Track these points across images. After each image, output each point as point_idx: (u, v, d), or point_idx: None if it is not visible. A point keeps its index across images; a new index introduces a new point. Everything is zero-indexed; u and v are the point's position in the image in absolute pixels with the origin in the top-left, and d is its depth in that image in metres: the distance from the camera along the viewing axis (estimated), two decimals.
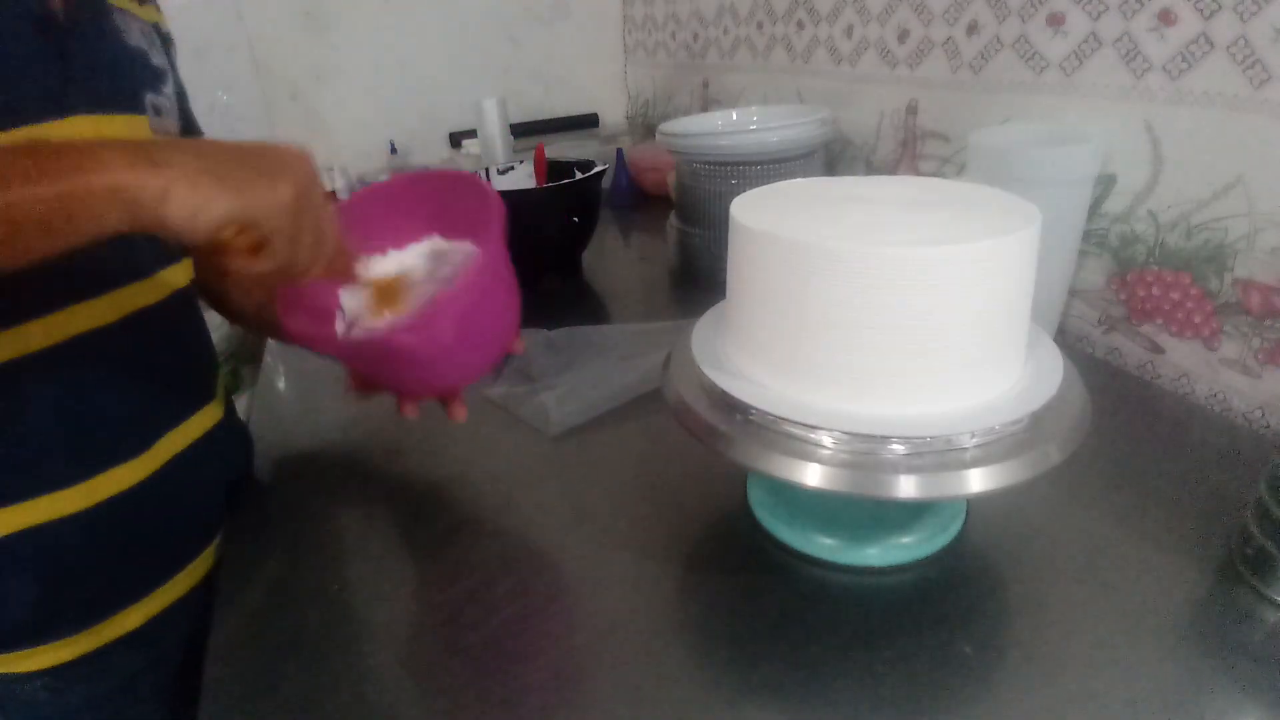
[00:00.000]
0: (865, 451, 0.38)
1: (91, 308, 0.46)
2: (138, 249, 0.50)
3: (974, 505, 0.51)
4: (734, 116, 1.05)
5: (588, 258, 1.06)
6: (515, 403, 0.67)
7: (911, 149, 0.92)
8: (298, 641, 0.44)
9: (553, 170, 1.04)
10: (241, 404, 0.99)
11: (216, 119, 1.32)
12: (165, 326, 0.52)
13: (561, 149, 1.34)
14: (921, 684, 0.39)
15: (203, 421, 0.56)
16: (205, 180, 0.34)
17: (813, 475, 0.38)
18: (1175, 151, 0.62)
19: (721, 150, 0.90)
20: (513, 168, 1.07)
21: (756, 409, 0.41)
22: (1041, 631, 0.42)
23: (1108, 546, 0.47)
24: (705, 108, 1.39)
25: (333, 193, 1.38)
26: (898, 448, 0.38)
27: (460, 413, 0.52)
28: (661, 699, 0.39)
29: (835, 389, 0.40)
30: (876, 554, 0.47)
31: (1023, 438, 0.39)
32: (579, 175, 0.99)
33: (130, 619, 0.52)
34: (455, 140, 1.53)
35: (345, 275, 0.47)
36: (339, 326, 0.50)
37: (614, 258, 1.12)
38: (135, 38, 0.50)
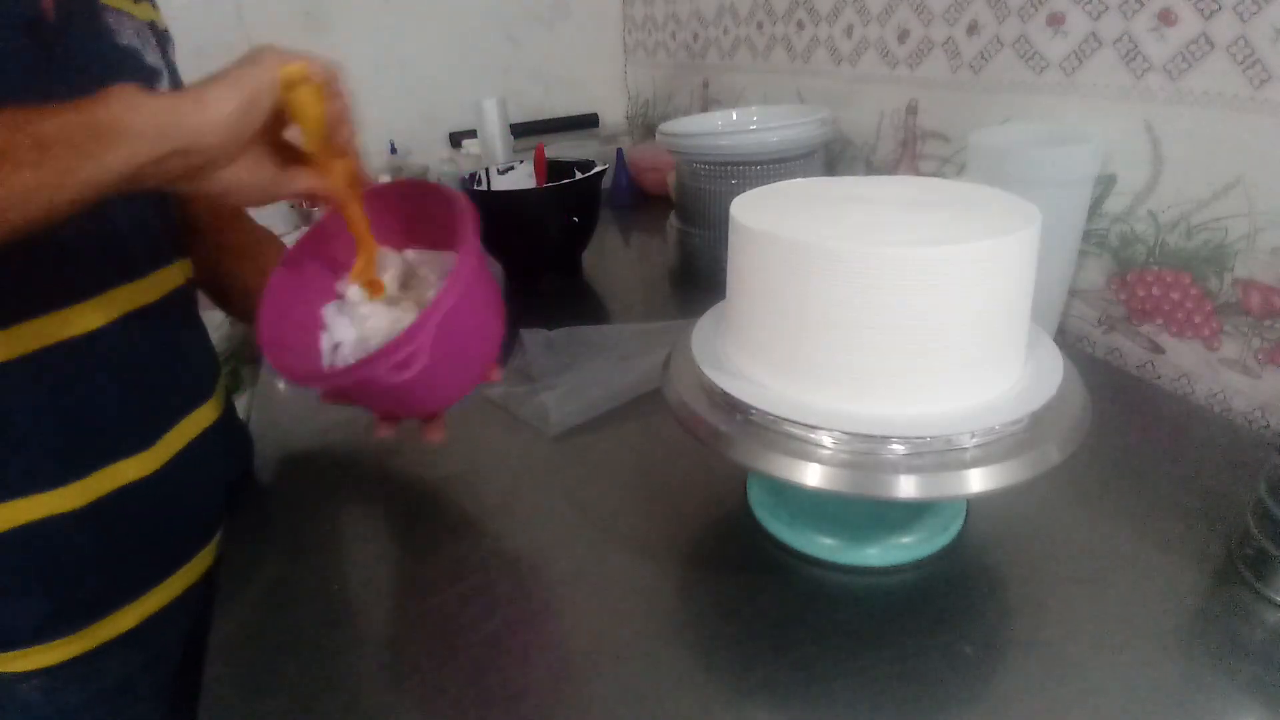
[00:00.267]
0: (865, 451, 0.38)
1: (87, 308, 0.46)
2: (130, 249, 0.50)
3: (974, 505, 0.51)
4: (734, 116, 1.05)
5: (588, 258, 1.06)
6: (515, 403, 0.67)
7: (911, 149, 0.92)
8: (297, 641, 0.44)
9: (553, 170, 1.04)
10: (241, 404, 0.99)
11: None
12: (162, 326, 0.52)
13: (561, 149, 1.34)
14: (921, 684, 0.39)
15: (201, 420, 0.56)
16: (225, 81, 0.37)
17: (813, 475, 0.38)
18: (1175, 151, 0.62)
19: (721, 150, 0.90)
20: (513, 168, 1.07)
21: (756, 409, 0.41)
22: (1041, 631, 0.42)
23: (1108, 546, 0.47)
24: (705, 108, 1.39)
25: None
26: (898, 448, 0.38)
27: (437, 435, 0.52)
28: (661, 699, 0.39)
29: (835, 389, 0.40)
30: (876, 554, 0.47)
31: (1023, 438, 0.39)
32: (579, 175, 0.99)
33: (127, 618, 0.52)
34: (455, 140, 1.53)
35: (367, 267, 0.47)
36: (324, 346, 0.50)
37: (614, 258, 1.12)
38: (128, 37, 0.49)
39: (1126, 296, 0.69)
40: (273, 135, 0.42)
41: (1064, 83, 0.70)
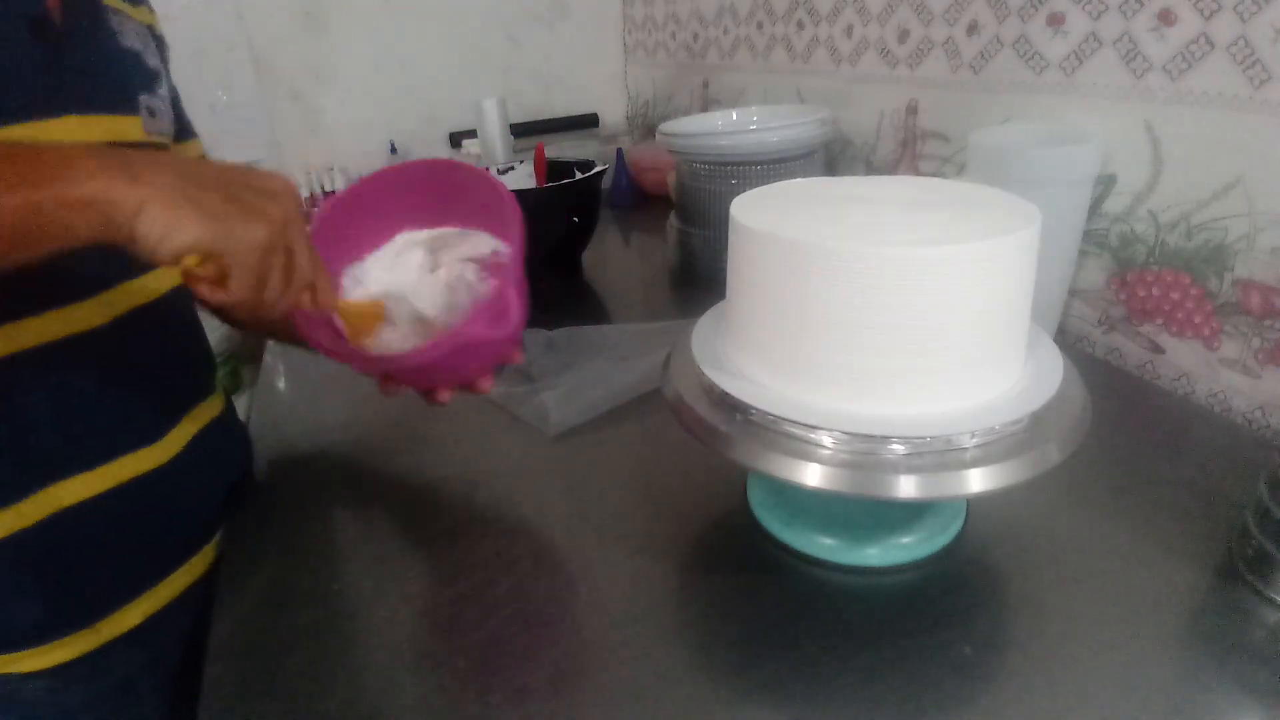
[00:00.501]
0: (865, 451, 0.38)
1: (85, 308, 0.46)
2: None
3: (974, 505, 0.51)
4: (734, 116, 1.05)
5: (588, 258, 1.06)
6: (515, 403, 0.67)
7: (911, 149, 0.92)
8: (297, 641, 0.44)
9: (553, 170, 1.04)
10: (241, 404, 0.99)
11: (216, 119, 1.33)
12: (160, 324, 0.52)
13: (561, 149, 1.34)
14: (921, 684, 0.39)
15: (206, 414, 0.56)
16: (182, 203, 0.33)
17: (813, 475, 0.38)
18: (1175, 151, 0.62)
19: (721, 150, 0.90)
20: (513, 168, 1.07)
21: (756, 409, 0.41)
22: (1041, 631, 0.42)
23: (1108, 546, 0.47)
24: (705, 108, 1.39)
25: (330, 193, 1.38)
26: (898, 448, 0.38)
27: (487, 384, 0.51)
28: (661, 699, 0.39)
29: (835, 389, 0.40)
30: (876, 554, 0.47)
31: (1023, 438, 0.39)
32: (579, 175, 0.99)
33: (129, 617, 0.52)
34: (455, 140, 1.53)
35: (322, 304, 0.45)
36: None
37: (614, 258, 1.12)
38: (130, 39, 0.50)
39: (1126, 296, 0.69)
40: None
41: (1064, 83, 0.70)
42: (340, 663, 0.43)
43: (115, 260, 0.48)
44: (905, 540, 0.47)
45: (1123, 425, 0.60)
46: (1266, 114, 0.55)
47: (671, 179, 1.08)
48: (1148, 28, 0.62)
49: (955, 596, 0.44)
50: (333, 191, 1.31)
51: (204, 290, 0.37)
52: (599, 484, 0.57)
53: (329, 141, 1.45)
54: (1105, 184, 0.68)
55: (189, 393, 0.56)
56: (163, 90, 0.53)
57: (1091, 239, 0.70)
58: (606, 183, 1.28)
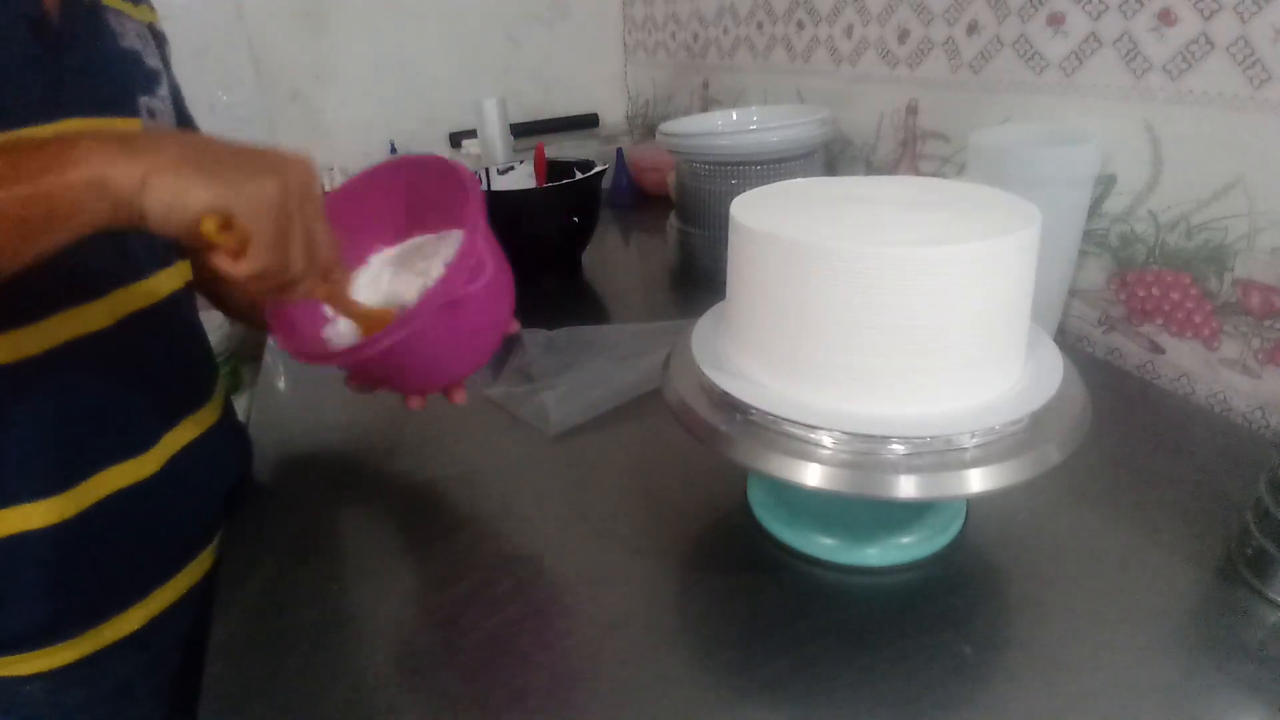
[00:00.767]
0: (865, 451, 0.38)
1: (85, 312, 0.46)
2: (131, 252, 0.50)
3: (974, 505, 0.51)
4: (734, 116, 1.05)
5: (588, 258, 1.06)
6: (515, 403, 0.67)
7: (911, 149, 0.92)
8: (297, 641, 0.44)
9: (553, 170, 1.04)
10: (241, 404, 0.99)
11: (216, 119, 1.33)
12: (160, 329, 0.52)
13: (561, 149, 1.34)
14: (921, 684, 0.39)
15: (199, 424, 0.55)
16: (186, 169, 0.33)
17: (813, 475, 0.38)
18: (1175, 151, 0.62)
19: (721, 150, 0.90)
20: (513, 168, 1.07)
21: (756, 409, 0.41)
22: (1041, 631, 0.42)
23: (1108, 546, 0.47)
24: (705, 108, 1.39)
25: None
26: (898, 448, 0.38)
27: (459, 396, 0.52)
28: (661, 699, 0.39)
29: (835, 389, 0.40)
30: (876, 554, 0.47)
31: (1023, 438, 0.39)
32: (579, 175, 0.99)
33: (129, 621, 0.52)
34: (455, 140, 1.53)
35: (338, 296, 0.45)
36: (328, 335, 0.50)
37: (614, 258, 1.12)
38: (129, 39, 0.49)
39: (1126, 296, 0.69)
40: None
41: (1064, 83, 0.70)
42: (340, 663, 0.43)
43: (112, 264, 0.48)
44: (905, 540, 0.47)
45: (1123, 425, 0.60)
46: (1266, 114, 0.55)
47: (671, 179, 1.08)
48: (1148, 28, 0.62)
49: (955, 596, 0.44)
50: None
51: (225, 263, 0.36)
52: (599, 484, 0.57)
53: (329, 141, 1.45)
54: (1105, 184, 0.68)
55: (188, 399, 0.55)
56: (163, 90, 0.52)
57: (1091, 239, 0.70)
58: (606, 183, 1.28)
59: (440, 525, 0.54)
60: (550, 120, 1.61)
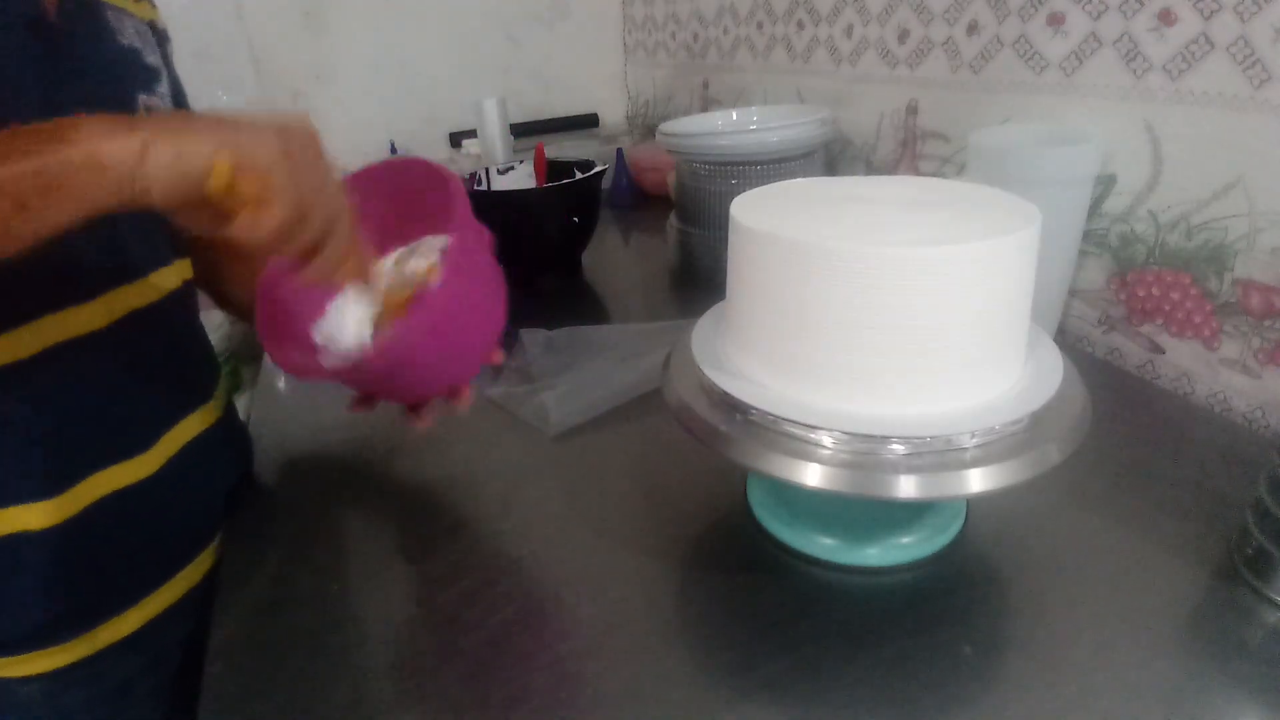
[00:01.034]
0: (865, 451, 0.38)
1: (82, 311, 0.46)
2: (129, 250, 0.49)
3: (974, 505, 0.51)
4: (734, 116, 1.05)
5: (588, 258, 1.06)
6: (515, 403, 0.67)
7: (911, 149, 0.92)
8: (297, 641, 0.44)
9: (553, 170, 1.04)
10: (241, 403, 0.99)
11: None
12: (159, 329, 0.52)
13: (561, 149, 1.34)
14: (921, 684, 0.39)
15: (197, 424, 0.55)
16: (185, 130, 0.32)
17: (813, 475, 0.38)
18: (1175, 151, 0.62)
19: (721, 150, 0.90)
20: (513, 168, 1.07)
21: (756, 409, 0.41)
22: (1041, 631, 0.42)
23: (1108, 546, 0.47)
24: (705, 108, 1.39)
25: None
26: (898, 448, 0.38)
27: (465, 402, 0.51)
28: (661, 699, 0.39)
29: (835, 389, 0.40)
30: (876, 554, 0.47)
31: (1023, 438, 0.39)
32: (579, 175, 0.99)
33: (127, 623, 0.51)
34: (455, 140, 1.53)
35: (361, 269, 0.43)
36: (318, 340, 0.49)
37: (614, 258, 1.12)
38: (129, 37, 0.49)
39: (1126, 296, 0.69)
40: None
41: (1064, 83, 0.70)
42: (340, 663, 0.43)
43: (110, 262, 0.48)
44: (905, 540, 0.47)
45: (1123, 425, 0.60)
46: (1266, 114, 0.55)
47: (671, 179, 1.08)
48: (1148, 28, 0.62)
49: (955, 596, 0.44)
50: None
51: (246, 225, 0.34)
52: (599, 484, 0.57)
53: (329, 142, 1.43)
54: (1105, 184, 0.68)
55: (187, 398, 0.55)
56: (162, 88, 0.52)
57: (1091, 239, 0.70)
58: (606, 183, 1.28)
59: (440, 525, 0.54)
60: (550, 120, 1.61)
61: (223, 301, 0.63)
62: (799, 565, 0.47)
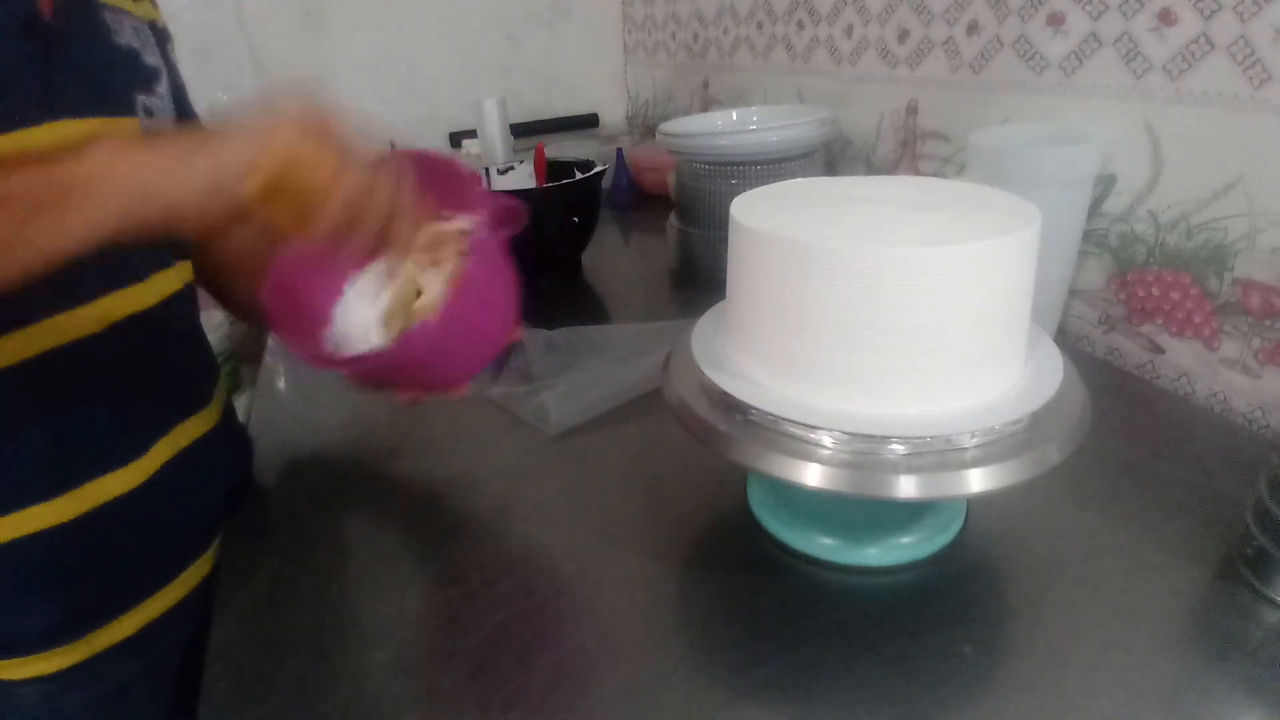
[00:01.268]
0: (865, 451, 0.38)
1: (80, 314, 0.45)
2: (125, 256, 0.49)
3: (974, 505, 0.51)
4: (734, 116, 1.05)
5: (588, 258, 1.06)
6: (515, 403, 0.67)
7: (911, 149, 0.92)
8: (297, 641, 0.44)
9: (553, 170, 1.04)
10: (241, 404, 0.99)
11: (216, 119, 1.33)
12: (157, 332, 0.51)
13: (561, 149, 1.34)
14: (921, 684, 0.39)
15: (196, 428, 0.55)
16: (206, 143, 0.32)
17: (813, 475, 0.38)
18: (1175, 151, 0.62)
19: (721, 150, 0.90)
20: (513, 168, 1.07)
21: (756, 409, 0.41)
22: (1041, 632, 0.42)
23: (1108, 546, 0.47)
24: (705, 108, 1.39)
25: None
26: (898, 448, 0.38)
27: (462, 390, 0.50)
28: (661, 699, 0.39)
29: (835, 389, 0.40)
30: (876, 554, 0.47)
31: (1023, 438, 0.39)
32: (579, 175, 0.99)
33: (125, 626, 0.51)
34: (455, 140, 1.53)
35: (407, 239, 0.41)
36: (330, 333, 0.49)
37: (614, 258, 1.12)
38: (127, 36, 0.49)
39: (1126, 296, 0.69)
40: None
41: (1064, 83, 0.70)
42: (340, 663, 0.42)
43: (108, 266, 0.47)
44: (905, 540, 0.47)
45: (1123, 425, 0.60)
46: (1266, 114, 0.55)
47: (671, 179, 1.08)
48: (1148, 28, 0.62)
49: (955, 596, 0.44)
50: None
51: (287, 221, 0.33)
52: (599, 484, 0.57)
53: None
54: (1105, 184, 0.68)
55: (183, 405, 0.54)
56: (161, 88, 0.52)
57: (1091, 239, 0.70)
58: (606, 183, 1.28)
59: (440, 525, 0.54)
60: (550, 120, 1.61)
61: (225, 301, 0.63)
62: (799, 565, 0.47)
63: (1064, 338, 0.75)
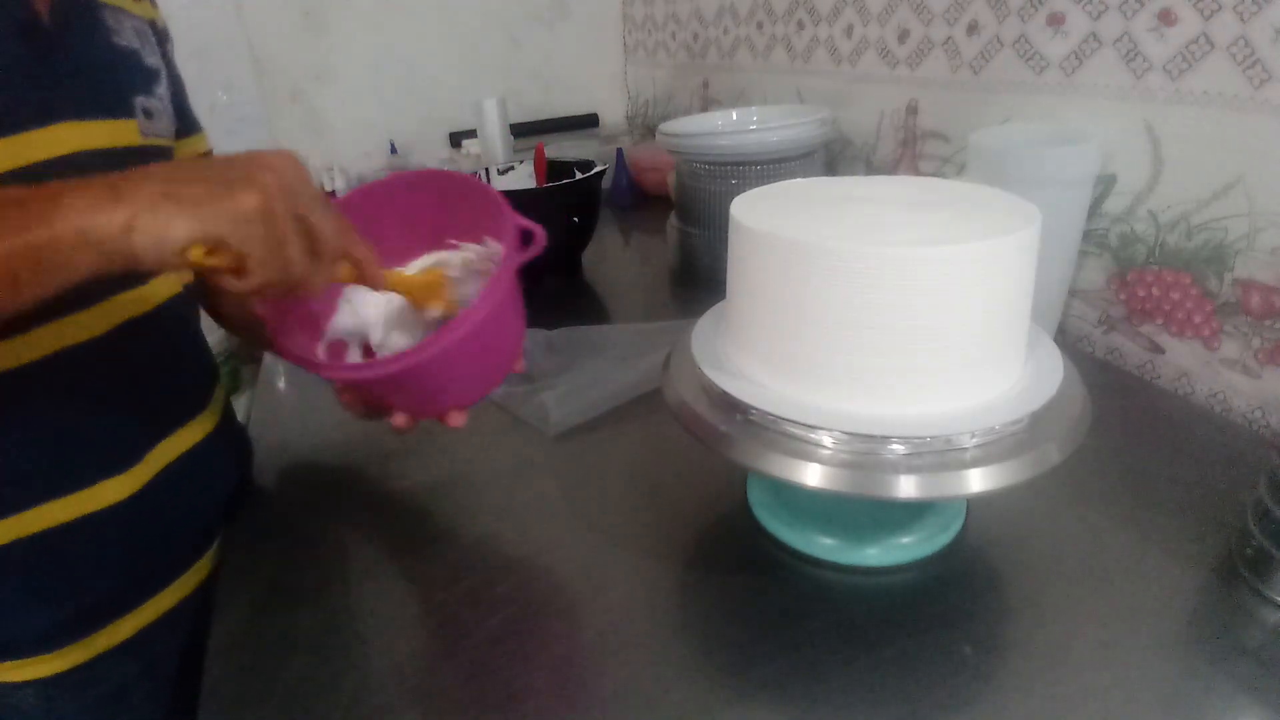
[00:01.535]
0: (865, 451, 0.38)
1: (79, 320, 0.45)
2: None
3: (974, 505, 0.51)
4: (734, 116, 1.05)
5: (588, 258, 1.06)
6: (515, 403, 0.67)
7: (911, 149, 0.92)
8: (297, 641, 0.44)
9: (553, 170, 1.04)
10: (241, 404, 0.99)
11: (216, 119, 1.33)
12: (156, 337, 0.51)
13: (561, 149, 1.34)
14: (921, 684, 0.39)
15: (196, 431, 0.55)
16: (166, 204, 0.32)
17: (813, 475, 0.38)
18: (1175, 151, 0.62)
19: (721, 150, 0.90)
20: (513, 168, 1.07)
21: (756, 409, 0.41)
22: (1041, 631, 0.42)
23: (1108, 546, 0.47)
24: (705, 108, 1.39)
25: (330, 193, 1.37)
26: (898, 448, 0.38)
27: (458, 419, 0.48)
28: (661, 699, 0.39)
29: (835, 389, 0.40)
30: (876, 554, 0.47)
31: (1023, 438, 0.39)
32: (579, 175, 0.99)
33: (124, 628, 0.51)
34: (455, 140, 1.53)
35: (371, 275, 0.42)
36: (327, 339, 0.48)
37: (614, 258, 1.12)
38: (127, 37, 0.48)
39: (1126, 296, 0.69)
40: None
41: (1064, 83, 0.70)
42: (341, 663, 0.43)
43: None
44: (905, 540, 0.47)
45: (1123, 425, 0.60)
46: (1266, 114, 0.55)
47: (671, 179, 1.08)
48: (1148, 28, 0.62)
49: (955, 596, 0.44)
50: (333, 193, 1.31)
51: (229, 282, 0.36)
52: (599, 484, 0.57)
53: (329, 141, 1.46)
54: (1105, 184, 0.68)
55: (181, 409, 0.54)
56: (161, 89, 0.51)
57: (1091, 239, 0.70)
58: (606, 183, 1.28)
59: (440, 525, 0.54)
60: (550, 120, 1.61)
61: (223, 321, 0.62)
62: (799, 565, 0.47)
63: (1064, 338, 0.75)
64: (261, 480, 0.62)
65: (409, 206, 0.50)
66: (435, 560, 0.51)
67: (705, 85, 1.39)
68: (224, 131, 1.33)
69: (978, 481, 0.37)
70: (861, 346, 0.39)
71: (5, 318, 0.33)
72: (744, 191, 0.48)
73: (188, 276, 0.55)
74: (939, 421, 0.38)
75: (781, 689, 0.39)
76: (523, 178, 1.06)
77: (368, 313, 0.49)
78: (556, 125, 1.61)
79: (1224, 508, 0.49)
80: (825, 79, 1.05)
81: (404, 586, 0.49)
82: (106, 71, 0.47)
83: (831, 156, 1.05)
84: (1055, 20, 0.69)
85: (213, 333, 0.62)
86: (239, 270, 0.35)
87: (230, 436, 0.61)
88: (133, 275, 0.48)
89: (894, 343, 0.38)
